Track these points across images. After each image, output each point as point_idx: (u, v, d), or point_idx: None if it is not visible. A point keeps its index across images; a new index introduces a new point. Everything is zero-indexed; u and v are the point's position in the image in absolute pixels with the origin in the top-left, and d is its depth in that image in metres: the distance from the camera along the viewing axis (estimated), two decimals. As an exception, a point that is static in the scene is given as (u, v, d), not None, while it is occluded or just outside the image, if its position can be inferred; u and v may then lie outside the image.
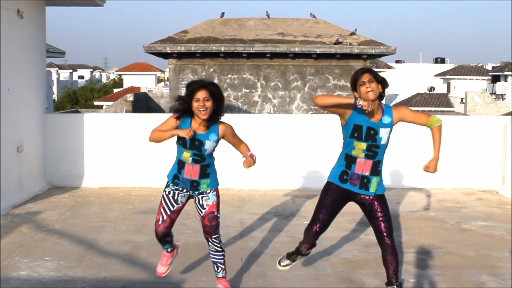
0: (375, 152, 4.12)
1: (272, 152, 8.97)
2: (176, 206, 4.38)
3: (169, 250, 4.64)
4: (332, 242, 6.00)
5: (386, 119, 4.12)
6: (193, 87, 4.14)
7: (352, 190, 4.18)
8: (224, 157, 9.03)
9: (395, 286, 4.20)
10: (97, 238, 6.11)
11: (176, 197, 4.37)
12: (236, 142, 4.43)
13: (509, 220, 7.04)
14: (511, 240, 6.18)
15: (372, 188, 4.17)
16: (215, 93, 4.18)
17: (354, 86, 4.13)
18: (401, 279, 4.73)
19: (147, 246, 5.84)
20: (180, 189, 4.36)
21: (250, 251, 5.70)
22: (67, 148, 8.92)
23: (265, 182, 8.88)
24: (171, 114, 4.34)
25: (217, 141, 4.28)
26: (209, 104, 4.13)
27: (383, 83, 4.10)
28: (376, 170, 4.15)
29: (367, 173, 4.14)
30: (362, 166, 4.13)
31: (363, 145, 4.10)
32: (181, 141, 4.23)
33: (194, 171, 4.27)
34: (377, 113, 4.12)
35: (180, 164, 4.31)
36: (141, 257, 5.51)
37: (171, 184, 4.39)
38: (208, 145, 4.22)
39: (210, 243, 4.43)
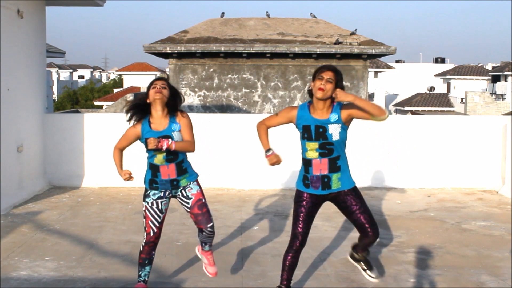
0: (329, 149, 4.04)
1: (275, 151, 8.95)
2: (161, 215, 4.39)
3: (146, 279, 4.47)
4: (332, 242, 6.00)
5: (333, 117, 4.04)
6: (152, 81, 4.31)
7: (316, 193, 4.13)
8: (224, 157, 9.05)
9: (365, 253, 4.32)
10: (97, 238, 6.12)
11: (160, 207, 4.37)
12: (186, 136, 4.28)
13: (509, 220, 7.04)
14: (511, 240, 6.18)
15: (334, 185, 4.09)
16: (172, 86, 4.31)
17: (313, 77, 4.09)
18: (367, 251, 4.58)
19: (147, 246, 5.83)
20: (161, 195, 4.35)
21: (250, 251, 5.70)
22: (67, 148, 8.92)
23: (265, 182, 8.88)
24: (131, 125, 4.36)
25: (180, 129, 4.27)
26: (165, 91, 4.21)
27: (340, 87, 4.01)
28: (334, 167, 4.06)
29: (325, 172, 4.06)
30: (319, 166, 4.07)
31: (315, 145, 4.06)
32: (151, 150, 4.23)
33: (171, 171, 4.29)
34: (325, 111, 4.05)
35: (154, 168, 4.32)
36: (141, 257, 5.50)
37: (151, 192, 4.37)
38: (176, 136, 4.23)
39: (204, 233, 4.39)
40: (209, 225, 4.36)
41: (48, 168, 8.88)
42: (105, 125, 9.01)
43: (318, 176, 4.08)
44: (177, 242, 5.95)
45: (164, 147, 4.10)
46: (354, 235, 6.29)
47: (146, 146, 4.25)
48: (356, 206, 4.11)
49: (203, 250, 4.63)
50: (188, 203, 4.36)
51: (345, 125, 4.09)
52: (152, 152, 4.27)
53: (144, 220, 4.38)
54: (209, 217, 4.37)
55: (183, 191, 4.38)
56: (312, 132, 4.05)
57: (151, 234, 4.37)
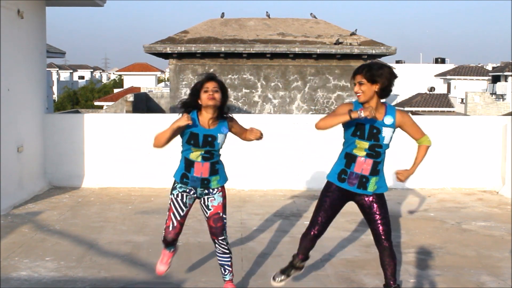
0: (377, 152, 4.06)
1: (272, 152, 8.97)
2: (185, 210, 4.33)
3: (171, 250, 4.59)
4: (332, 242, 5.99)
5: (388, 120, 4.07)
6: (202, 79, 4.18)
7: (350, 190, 4.14)
8: (224, 157, 9.04)
9: None
10: (97, 238, 6.11)
11: (184, 200, 4.31)
12: (242, 130, 4.39)
13: (509, 220, 7.04)
14: (511, 240, 6.18)
15: (370, 188, 4.11)
16: (223, 87, 4.22)
17: (350, 82, 4.15)
18: (399, 281, 4.72)
19: (147, 246, 5.84)
20: (188, 190, 4.30)
21: (250, 251, 5.70)
22: (67, 148, 8.92)
23: (265, 182, 8.88)
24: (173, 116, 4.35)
25: (226, 134, 4.27)
26: (218, 95, 4.14)
27: (377, 82, 3.98)
28: (375, 170, 4.09)
29: (366, 173, 4.08)
30: (362, 165, 4.07)
31: (366, 144, 4.05)
32: (192, 141, 4.16)
33: (204, 169, 4.23)
34: (379, 111, 4.06)
35: (188, 163, 4.24)
36: (141, 257, 5.51)
37: (178, 185, 4.31)
38: (220, 138, 4.21)
39: (216, 245, 4.37)
40: (220, 238, 4.33)
41: (48, 168, 8.88)
42: (105, 126, 9.01)
43: (358, 174, 4.10)
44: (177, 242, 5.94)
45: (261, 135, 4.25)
46: (355, 235, 6.29)
47: (189, 139, 4.17)
48: (379, 216, 4.15)
49: (224, 280, 4.46)
50: (206, 213, 4.35)
51: (395, 129, 4.14)
52: (190, 146, 4.19)
53: (167, 212, 4.35)
54: (222, 232, 4.33)
55: (206, 197, 4.32)
56: (366, 131, 4.04)
57: (170, 228, 4.30)
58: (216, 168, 4.29)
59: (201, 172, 4.23)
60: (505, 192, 8.57)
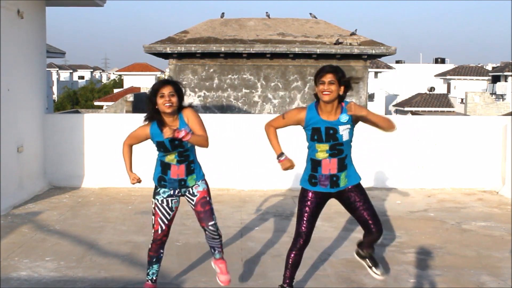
0: (339, 150, 4.09)
1: (272, 152, 8.96)
2: (171, 213, 4.38)
3: (153, 278, 4.45)
4: (332, 242, 6.00)
5: (343, 117, 4.07)
6: (157, 85, 4.22)
7: (323, 191, 4.18)
8: (224, 157, 9.05)
9: (370, 249, 4.34)
10: (97, 238, 6.11)
11: (170, 205, 4.36)
12: (196, 131, 4.20)
13: (509, 220, 7.04)
14: (511, 240, 6.18)
15: (342, 183, 4.15)
16: (177, 86, 4.25)
17: (315, 81, 4.10)
18: (373, 248, 4.60)
19: (147, 246, 5.82)
20: (171, 193, 4.34)
21: (250, 251, 5.70)
22: (67, 148, 8.92)
23: (265, 182, 8.88)
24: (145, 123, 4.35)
25: (189, 129, 4.18)
26: (174, 99, 4.16)
27: (347, 86, 4.05)
28: (343, 165, 4.12)
29: (335, 172, 4.12)
30: (329, 166, 4.11)
31: (326, 146, 4.09)
32: (162, 149, 4.24)
33: (180, 171, 4.28)
34: (336, 112, 4.07)
35: (164, 166, 4.30)
36: (141, 257, 5.50)
37: (160, 190, 4.35)
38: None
39: (207, 232, 4.37)
40: (210, 223, 4.33)
41: (48, 169, 8.88)
42: (105, 126, 9.01)
43: (327, 175, 4.13)
44: (177, 242, 5.95)
45: (181, 135, 4.01)
46: (355, 235, 6.29)
47: (158, 146, 4.25)
48: (360, 203, 4.16)
49: (214, 258, 4.54)
50: (193, 200, 4.36)
51: (353, 125, 4.14)
52: (163, 153, 4.25)
53: (153, 217, 4.37)
54: (211, 215, 4.35)
55: (189, 189, 4.37)
56: (323, 134, 4.08)
57: (159, 231, 4.35)
58: (192, 168, 4.32)
59: (178, 174, 4.29)
60: (505, 192, 8.57)
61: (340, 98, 4.09)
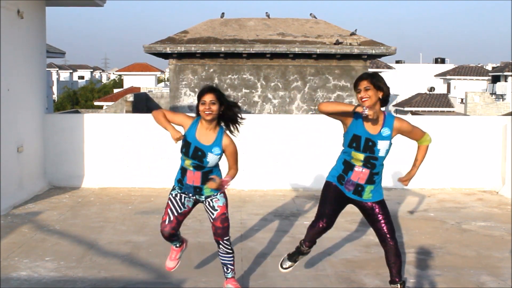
0: (372, 164, 4.13)
1: (272, 152, 8.97)
2: (183, 209, 4.39)
3: (177, 245, 4.66)
4: (332, 242, 6.00)
5: (386, 132, 4.11)
6: (201, 92, 4.23)
7: (346, 194, 4.23)
8: (224, 157, 9.05)
9: (398, 285, 4.23)
10: (97, 238, 6.11)
11: (183, 201, 4.39)
12: (230, 163, 4.33)
13: (509, 220, 7.04)
14: (511, 240, 6.18)
15: (365, 196, 4.20)
16: (223, 97, 4.24)
17: (355, 90, 4.18)
18: (405, 278, 4.74)
19: (147, 246, 5.84)
20: (186, 192, 4.38)
21: (250, 251, 5.70)
22: (67, 148, 8.92)
23: (265, 182, 8.88)
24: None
25: (220, 155, 4.25)
26: (215, 108, 4.16)
27: (382, 89, 4.07)
28: (371, 180, 4.17)
29: (362, 182, 4.16)
30: (359, 175, 4.15)
31: (361, 156, 4.12)
32: (184, 149, 4.24)
33: (196, 178, 4.27)
34: (379, 122, 4.10)
35: (183, 171, 4.33)
36: (141, 257, 5.51)
37: (177, 187, 4.41)
38: (210, 157, 4.21)
39: (221, 245, 4.42)
40: (225, 238, 4.40)
41: (48, 168, 8.88)
42: (105, 126, 9.01)
43: (354, 182, 4.18)
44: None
45: (224, 187, 4.24)
46: (355, 235, 6.30)
47: (183, 144, 4.23)
48: (381, 216, 4.22)
49: (226, 278, 4.53)
50: (213, 214, 4.37)
51: (392, 141, 4.17)
52: (183, 154, 4.26)
53: (164, 209, 4.40)
54: (227, 232, 4.41)
55: (209, 200, 4.37)
56: (361, 144, 4.10)
57: (166, 222, 4.35)
58: (210, 178, 4.27)
59: (193, 180, 4.29)
60: (505, 192, 8.57)
61: (382, 102, 4.11)
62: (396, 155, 9.06)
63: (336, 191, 4.24)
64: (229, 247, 4.44)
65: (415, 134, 4.25)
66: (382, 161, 4.17)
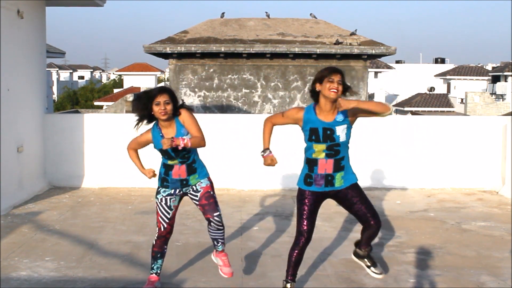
0: (336, 150, 4.16)
1: (272, 152, 8.96)
2: (171, 212, 4.50)
3: (158, 272, 4.59)
4: (332, 242, 6.00)
5: (340, 117, 4.14)
6: (152, 93, 4.29)
7: (319, 190, 4.24)
8: (224, 157, 9.04)
9: (368, 248, 4.38)
10: (97, 238, 6.12)
11: (169, 204, 4.48)
12: (192, 131, 4.31)
13: (509, 220, 7.04)
14: (511, 240, 6.18)
15: (337, 183, 4.22)
16: (172, 94, 4.33)
17: (321, 79, 4.12)
18: (370, 247, 4.61)
19: (147, 246, 5.83)
20: (171, 192, 4.45)
21: (250, 251, 5.70)
22: (67, 148, 8.92)
23: (265, 182, 8.88)
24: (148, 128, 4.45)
25: (187, 133, 4.33)
26: (169, 107, 4.26)
27: (346, 91, 4.14)
28: (339, 166, 4.19)
29: (330, 172, 4.19)
30: (325, 166, 4.18)
31: (323, 146, 4.15)
32: (166, 156, 4.37)
33: (182, 171, 4.40)
34: (331, 113, 4.14)
35: (167, 167, 4.43)
36: (141, 257, 5.51)
37: (161, 189, 4.49)
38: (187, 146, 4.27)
39: (212, 223, 4.45)
40: (215, 214, 4.42)
41: (48, 168, 8.88)
42: (105, 126, 9.01)
43: (322, 174, 4.20)
44: (177, 242, 5.94)
45: (181, 145, 4.16)
46: (355, 235, 6.29)
47: (162, 153, 4.38)
48: (356, 198, 4.23)
49: (216, 251, 4.66)
50: (196, 196, 4.44)
51: (350, 125, 4.20)
52: (166, 157, 4.37)
53: (156, 215, 4.52)
54: (216, 207, 4.44)
55: (193, 186, 4.46)
56: (320, 134, 4.14)
57: (162, 229, 4.50)
58: (194, 167, 4.44)
59: (179, 174, 4.41)
60: (505, 192, 8.57)
61: (334, 101, 4.14)
62: (395, 155, 9.08)
63: (310, 200, 4.24)
64: (220, 224, 4.46)
65: (370, 106, 4.09)
66: (346, 146, 4.19)
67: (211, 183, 4.53)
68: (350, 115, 4.15)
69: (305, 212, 4.26)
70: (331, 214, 6.95)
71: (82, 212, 7.30)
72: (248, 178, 8.82)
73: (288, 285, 4.34)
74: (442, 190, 8.90)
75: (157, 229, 4.52)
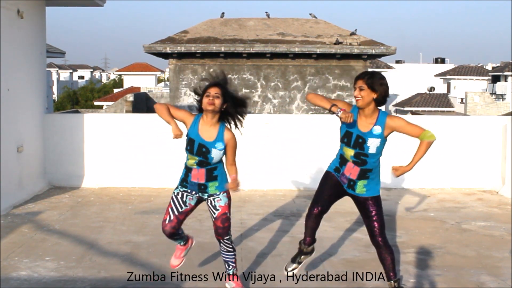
0: (363, 160, 4.17)
1: (272, 152, 8.97)
2: (184, 207, 4.43)
3: (182, 243, 4.71)
4: (332, 242, 6.00)
5: (377, 130, 4.14)
6: (207, 85, 4.32)
7: (342, 185, 4.32)
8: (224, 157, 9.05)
9: (392, 282, 4.25)
10: (97, 238, 6.11)
11: (184, 199, 4.42)
12: (230, 158, 4.37)
13: (509, 220, 7.04)
14: (511, 240, 6.18)
15: (358, 190, 4.25)
16: (228, 92, 4.33)
17: (354, 84, 4.24)
18: (400, 276, 4.74)
19: (147, 246, 5.84)
20: (189, 191, 4.42)
21: (250, 251, 5.70)
22: (67, 148, 8.92)
23: (265, 182, 8.88)
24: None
25: (224, 150, 4.30)
26: (218, 101, 4.23)
27: (376, 91, 4.09)
28: (364, 176, 4.21)
29: (353, 178, 4.23)
30: (351, 170, 4.23)
31: (351, 152, 4.19)
32: (188, 147, 4.29)
33: (200, 175, 4.31)
34: (370, 121, 4.14)
35: (187, 169, 4.38)
36: (141, 257, 5.51)
37: (180, 187, 4.45)
38: (214, 153, 4.26)
39: (222, 244, 4.48)
40: (226, 237, 4.45)
41: (48, 168, 8.88)
42: (105, 126, 9.01)
43: (347, 176, 4.26)
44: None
45: (236, 189, 4.36)
46: (355, 235, 6.29)
47: (187, 142, 4.29)
48: (373, 213, 4.26)
49: (227, 275, 4.57)
50: (214, 213, 4.42)
51: (385, 139, 4.20)
52: (187, 152, 4.31)
53: (166, 208, 4.46)
54: (228, 231, 4.45)
55: (211, 199, 4.41)
56: (352, 140, 4.18)
57: (166, 221, 4.41)
58: (215, 175, 4.35)
59: (198, 177, 4.33)
60: (505, 192, 8.57)
61: (377, 103, 4.15)
62: (395, 155, 9.07)
63: (334, 179, 4.32)
64: (230, 246, 4.49)
65: (412, 130, 4.20)
66: (375, 158, 4.19)
67: (229, 200, 4.46)
68: (388, 130, 4.16)
69: (328, 183, 4.31)
70: (331, 214, 6.91)
71: (82, 212, 7.30)
72: (248, 178, 8.82)
73: (303, 245, 4.48)
74: (442, 190, 8.90)
75: (162, 221, 4.42)
